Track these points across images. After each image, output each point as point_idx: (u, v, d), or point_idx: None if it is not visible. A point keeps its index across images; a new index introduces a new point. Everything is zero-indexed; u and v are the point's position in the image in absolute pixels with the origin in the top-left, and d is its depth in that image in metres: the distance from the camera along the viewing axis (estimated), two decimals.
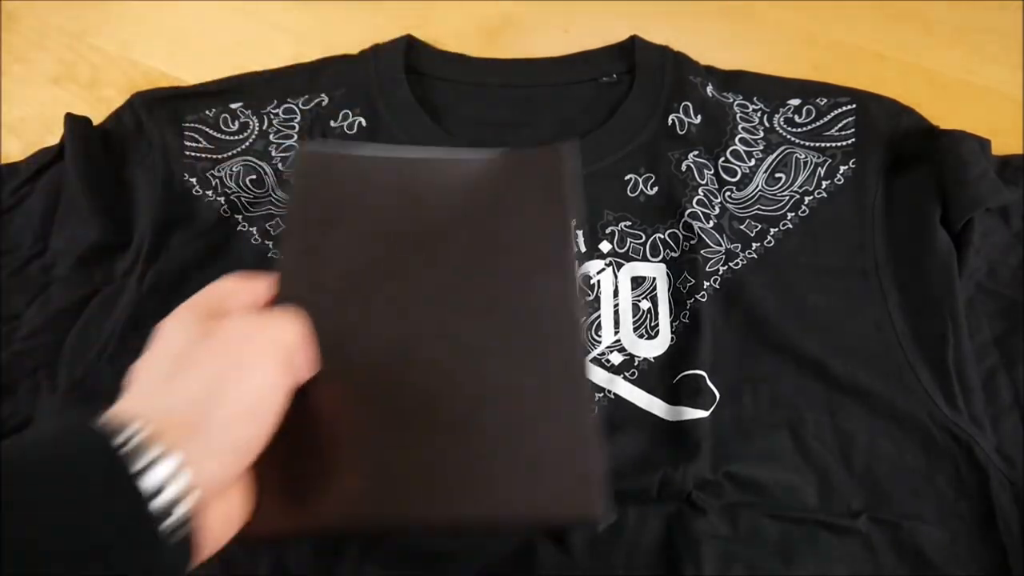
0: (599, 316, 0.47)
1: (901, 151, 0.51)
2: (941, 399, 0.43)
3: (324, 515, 0.33)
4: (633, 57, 0.57)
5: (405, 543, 0.41)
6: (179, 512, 0.25)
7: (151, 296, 0.48)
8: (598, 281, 0.48)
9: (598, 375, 0.45)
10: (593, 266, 0.49)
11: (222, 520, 0.29)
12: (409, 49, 0.58)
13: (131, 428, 0.25)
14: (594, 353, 0.46)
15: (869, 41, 0.60)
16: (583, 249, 0.49)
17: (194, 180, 0.52)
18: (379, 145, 0.43)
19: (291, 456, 0.33)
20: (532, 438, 0.34)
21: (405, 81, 0.56)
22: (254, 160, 0.53)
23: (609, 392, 0.45)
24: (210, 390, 0.28)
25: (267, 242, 0.50)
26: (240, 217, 0.51)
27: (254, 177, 0.53)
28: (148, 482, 0.25)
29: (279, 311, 0.33)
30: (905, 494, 0.42)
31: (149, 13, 0.65)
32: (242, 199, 0.52)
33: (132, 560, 0.24)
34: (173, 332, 0.31)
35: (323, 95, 0.56)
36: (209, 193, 0.52)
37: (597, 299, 0.48)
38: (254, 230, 0.51)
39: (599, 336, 0.47)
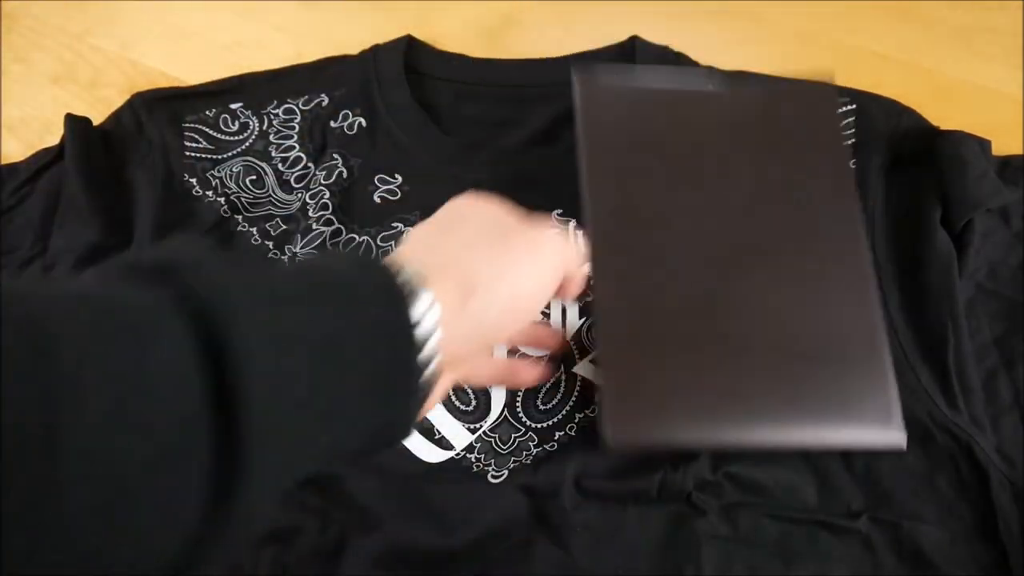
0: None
1: (901, 151, 0.51)
2: (941, 399, 0.43)
3: (672, 430, 0.39)
4: (634, 57, 0.57)
5: (400, 543, 0.41)
6: (431, 367, 0.26)
7: None
8: None
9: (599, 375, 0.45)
10: None
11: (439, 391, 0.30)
12: (409, 49, 0.57)
13: (408, 270, 0.26)
14: (594, 353, 0.46)
15: (869, 41, 0.60)
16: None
17: (194, 180, 0.52)
18: (645, 68, 0.48)
19: (635, 375, 0.39)
20: (839, 369, 0.40)
21: (405, 81, 0.56)
22: (254, 160, 0.53)
23: None
24: (489, 270, 0.29)
25: (267, 242, 0.50)
26: (240, 217, 0.51)
27: (254, 177, 0.53)
28: (423, 316, 0.26)
29: (559, 233, 0.36)
30: (905, 494, 0.42)
31: (149, 13, 0.64)
32: (242, 199, 0.52)
33: (391, 383, 0.25)
34: (469, 211, 0.33)
35: (323, 95, 0.56)
36: (209, 193, 0.52)
37: None
38: (254, 230, 0.51)
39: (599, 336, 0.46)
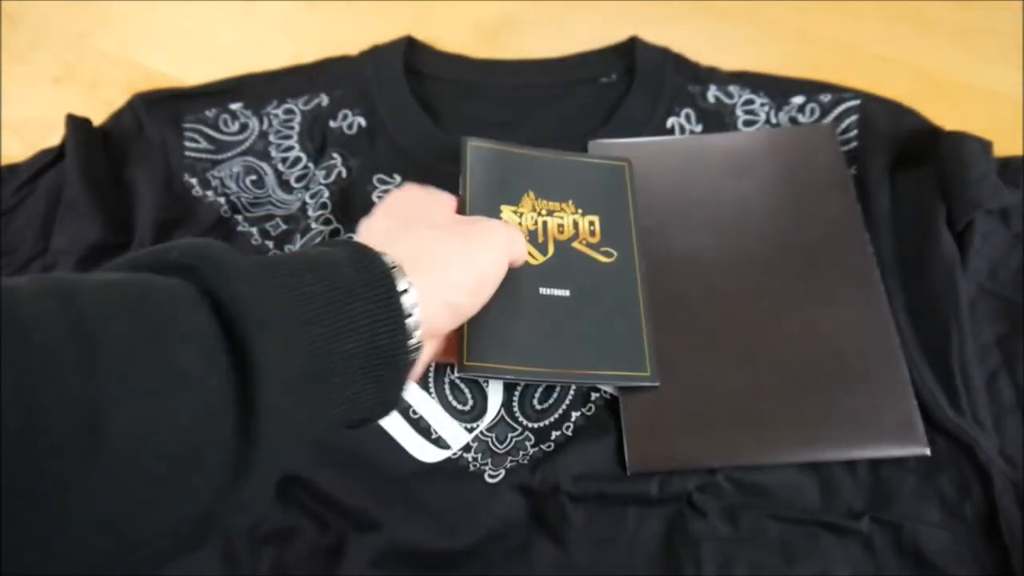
0: None
1: (904, 152, 0.51)
2: (944, 400, 0.43)
3: (693, 454, 0.42)
4: (633, 57, 0.57)
5: (399, 544, 0.41)
6: (415, 341, 0.31)
7: None
8: None
9: None
10: None
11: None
12: (409, 49, 0.58)
13: (387, 260, 0.31)
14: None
15: (869, 41, 0.60)
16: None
17: (194, 180, 0.52)
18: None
19: (656, 403, 0.43)
20: (859, 387, 0.43)
21: (405, 81, 0.56)
22: (254, 160, 0.53)
23: (606, 393, 0.45)
24: (455, 258, 0.35)
25: (267, 242, 0.50)
26: (240, 217, 0.51)
27: (254, 177, 0.53)
28: (405, 300, 0.30)
29: (501, 223, 0.41)
30: (907, 495, 0.42)
31: (149, 13, 0.65)
32: (242, 199, 0.52)
33: (387, 358, 0.29)
34: (423, 206, 0.40)
35: (323, 95, 0.56)
36: (209, 193, 0.52)
37: None
38: (254, 230, 0.51)
39: None
